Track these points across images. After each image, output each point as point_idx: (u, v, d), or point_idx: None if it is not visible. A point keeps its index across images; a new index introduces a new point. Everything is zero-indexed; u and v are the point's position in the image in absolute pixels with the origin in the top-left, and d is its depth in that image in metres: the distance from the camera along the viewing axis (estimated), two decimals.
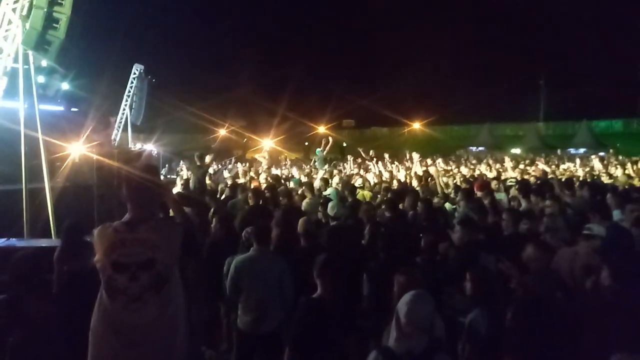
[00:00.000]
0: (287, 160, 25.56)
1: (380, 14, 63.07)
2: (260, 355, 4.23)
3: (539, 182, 9.71)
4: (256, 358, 4.28)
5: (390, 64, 56.96)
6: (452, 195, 8.25)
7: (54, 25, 8.38)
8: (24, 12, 8.74)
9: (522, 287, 3.37)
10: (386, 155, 15.07)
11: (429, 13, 58.79)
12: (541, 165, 14.38)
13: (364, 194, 8.82)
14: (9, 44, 9.00)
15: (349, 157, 16.03)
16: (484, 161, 19.68)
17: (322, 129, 46.93)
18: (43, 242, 7.05)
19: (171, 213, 3.07)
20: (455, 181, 10.61)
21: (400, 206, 6.92)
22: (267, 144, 35.09)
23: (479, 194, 7.08)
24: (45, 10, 8.28)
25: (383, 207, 6.80)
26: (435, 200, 7.87)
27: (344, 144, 40.69)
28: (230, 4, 63.17)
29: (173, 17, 55.89)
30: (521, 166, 15.42)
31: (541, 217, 5.65)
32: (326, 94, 48.87)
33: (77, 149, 12.97)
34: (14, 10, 8.93)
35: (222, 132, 44.12)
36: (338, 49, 60.68)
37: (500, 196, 8.14)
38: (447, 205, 7.63)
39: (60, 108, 19.88)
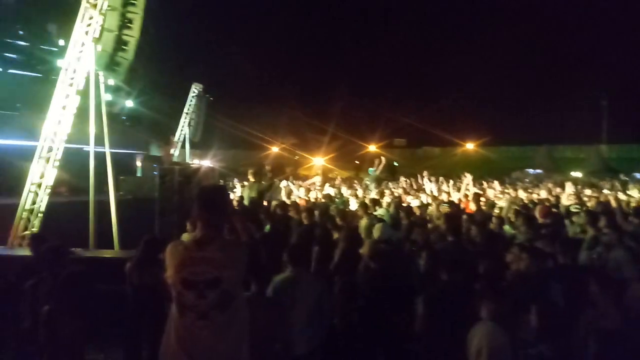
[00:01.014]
0: (339, 178, 25.60)
1: (433, 32, 62.75)
2: None
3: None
4: None
5: (443, 82, 56.29)
6: (511, 219, 7.98)
7: (124, 47, 8.89)
8: (96, 35, 9.30)
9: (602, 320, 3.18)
10: (440, 178, 14.79)
11: (484, 30, 57.82)
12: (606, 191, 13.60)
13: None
14: (81, 65, 9.56)
15: (401, 178, 15.82)
16: (543, 184, 18.94)
17: (372, 148, 46.93)
18: (107, 254, 7.39)
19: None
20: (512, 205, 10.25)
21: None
22: (318, 162, 35.34)
23: (541, 220, 6.80)
24: (116, 33, 8.81)
25: (441, 228, 6.62)
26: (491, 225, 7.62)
27: (395, 164, 40.41)
28: (281, 25, 64.62)
29: (229, 39, 57.79)
30: (587, 192, 14.70)
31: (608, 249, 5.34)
32: (377, 112, 48.85)
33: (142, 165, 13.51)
34: (86, 33, 9.49)
35: (275, 149, 44.97)
36: (390, 67, 60.65)
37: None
38: (506, 228, 7.39)
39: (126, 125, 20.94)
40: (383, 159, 16.08)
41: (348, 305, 3.68)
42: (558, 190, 15.94)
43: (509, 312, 3.24)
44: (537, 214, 7.58)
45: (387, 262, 4.92)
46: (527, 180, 26.09)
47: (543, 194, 13.46)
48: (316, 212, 8.62)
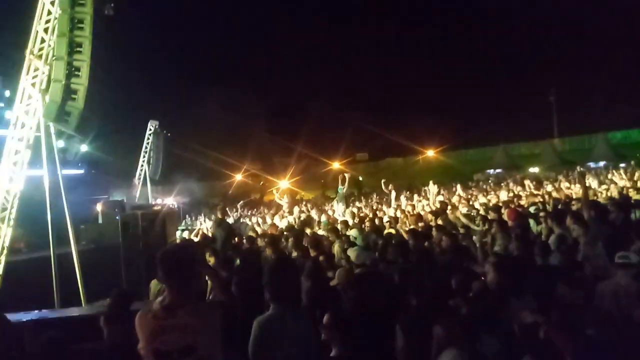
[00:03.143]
0: (303, 201, 25.60)
1: (385, 44, 64.18)
2: None
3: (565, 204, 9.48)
4: None
5: (400, 94, 57.54)
6: (478, 227, 8.14)
7: (73, 96, 8.67)
8: (43, 86, 9.07)
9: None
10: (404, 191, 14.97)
11: (433, 39, 59.62)
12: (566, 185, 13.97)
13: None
14: (30, 118, 9.30)
15: (371, 198, 15.89)
16: (503, 185, 19.44)
17: (336, 165, 47.23)
18: (74, 312, 7.11)
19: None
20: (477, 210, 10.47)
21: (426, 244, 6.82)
22: (283, 185, 35.27)
23: (510, 223, 6.94)
24: (64, 82, 8.60)
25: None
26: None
27: (360, 178, 40.72)
28: (239, 47, 64.87)
29: (182, 70, 57.47)
30: (548, 187, 15.12)
31: (576, 246, 5.50)
32: (339, 129, 49.37)
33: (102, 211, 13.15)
34: (33, 84, 9.26)
35: (239, 177, 44.62)
36: (349, 83, 61.56)
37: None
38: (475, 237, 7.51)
39: (81, 171, 20.38)
40: (347, 175, 16.17)
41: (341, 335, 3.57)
42: (518, 189, 16.40)
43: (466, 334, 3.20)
44: (505, 217, 7.75)
45: (365, 288, 4.87)
46: (490, 180, 26.77)
47: (503, 195, 13.77)
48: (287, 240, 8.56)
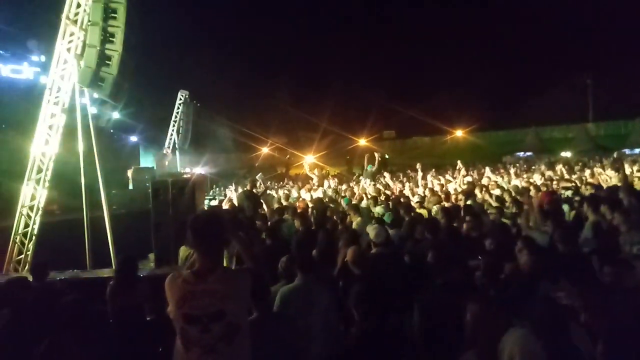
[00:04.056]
0: (330, 176, 25.57)
1: (416, 25, 62.76)
2: None
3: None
4: None
5: (430, 72, 56.46)
6: (508, 210, 7.99)
7: (107, 62, 8.73)
8: (78, 51, 9.15)
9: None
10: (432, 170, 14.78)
11: (465, 19, 57.97)
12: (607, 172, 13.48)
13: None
14: (65, 82, 9.42)
15: (385, 174, 15.71)
16: (535, 168, 18.99)
17: (362, 142, 46.92)
18: (105, 272, 7.30)
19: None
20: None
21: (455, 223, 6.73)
22: (308, 159, 35.30)
23: (544, 207, 6.76)
24: (99, 48, 8.66)
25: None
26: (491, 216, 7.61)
27: (386, 156, 40.39)
28: (267, 26, 64.36)
29: (214, 43, 57.47)
30: (586, 172, 14.69)
31: (614, 231, 5.33)
32: (365, 105, 49.02)
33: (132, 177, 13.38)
34: (68, 49, 9.35)
35: (265, 149, 44.83)
36: (377, 61, 60.69)
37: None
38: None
39: (114, 137, 20.72)
40: (377, 155, 16.05)
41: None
42: (549, 173, 16.01)
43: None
44: (537, 200, 7.56)
45: (372, 267, 4.81)
46: (518, 164, 26.20)
47: (536, 178, 13.46)
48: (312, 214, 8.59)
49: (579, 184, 11.18)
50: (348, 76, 53.84)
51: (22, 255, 9.29)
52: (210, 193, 19.73)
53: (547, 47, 52.08)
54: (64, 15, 9.22)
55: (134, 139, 23.87)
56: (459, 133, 46.69)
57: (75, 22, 9.13)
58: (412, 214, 7.89)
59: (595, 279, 3.98)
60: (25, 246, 9.28)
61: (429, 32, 61.34)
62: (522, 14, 55.11)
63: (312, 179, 16.16)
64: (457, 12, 58.96)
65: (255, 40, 64.23)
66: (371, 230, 5.60)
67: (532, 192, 9.41)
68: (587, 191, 9.29)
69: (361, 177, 16.44)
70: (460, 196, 9.94)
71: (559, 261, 4.54)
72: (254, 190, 10.20)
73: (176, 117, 26.99)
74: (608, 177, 12.14)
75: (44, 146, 9.38)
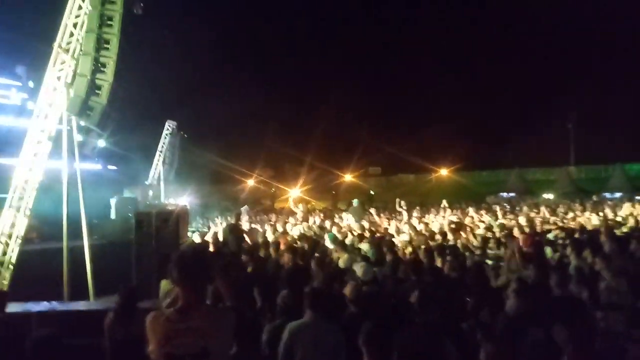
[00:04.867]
0: (315, 210, 25.55)
1: (402, 62, 64.30)
2: None
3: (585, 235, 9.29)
4: None
5: (416, 110, 57.50)
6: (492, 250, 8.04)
7: (97, 91, 8.77)
8: (68, 80, 9.17)
9: None
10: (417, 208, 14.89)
11: (454, 59, 59.57)
12: (587, 215, 13.71)
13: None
14: (53, 110, 9.39)
15: (371, 210, 15.75)
16: (520, 210, 19.21)
17: (348, 177, 47.19)
18: (82, 305, 7.11)
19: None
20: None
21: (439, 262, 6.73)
22: (294, 193, 35.27)
23: (525, 249, 6.82)
24: (89, 77, 8.70)
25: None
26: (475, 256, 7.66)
27: (372, 192, 40.58)
28: (254, 58, 65.41)
29: (203, 74, 57.98)
30: (569, 215, 14.91)
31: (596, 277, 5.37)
32: (352, 142, 49.27)
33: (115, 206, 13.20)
34: (58, 77, 9.36)
35: (251, 182, 44.74)
36: (364, 97, 61.67)
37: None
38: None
39: (98, 166, 20.54)
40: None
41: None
42: (533, 214, 16.19)
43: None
44: (520, 242, 7.64)
45: (369, 305, 4.79)
46: (504, 204, 26.47)
47: (522, 220, 13.58)
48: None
49: (562, 225, 11.35)
50: (335, 112, 54.41)
51: None
52: (193, 225, 19.52)
53: (531, 92, 53.53)
54: (56, 43, 9.26)
55: (118, 167, 23.68)
56: (444, 172, 47.21)
57: (67, 50, 9.17)
58: (396, 252, 7.89)
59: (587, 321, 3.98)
60: (2, 274, 9.01)
61: (415, 72, 62.79)
62: (509, 59, 56.91)
63: (295, 213, 16.14)
64: (443, 54, 60.56)
65: (243, 74, 64.94)
66: (358, 268, 5.59)
67: (516, 232, 9.52)
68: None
69: (343, 214, 16.49)
70: (448, 234, 10.00)
71: (544, 304, 4.54)
72: (238, 223, 10.13)
73: (162, 147, 26.94)
74: (588, 219, 12.32)
75: (27, 173, 9.24)
